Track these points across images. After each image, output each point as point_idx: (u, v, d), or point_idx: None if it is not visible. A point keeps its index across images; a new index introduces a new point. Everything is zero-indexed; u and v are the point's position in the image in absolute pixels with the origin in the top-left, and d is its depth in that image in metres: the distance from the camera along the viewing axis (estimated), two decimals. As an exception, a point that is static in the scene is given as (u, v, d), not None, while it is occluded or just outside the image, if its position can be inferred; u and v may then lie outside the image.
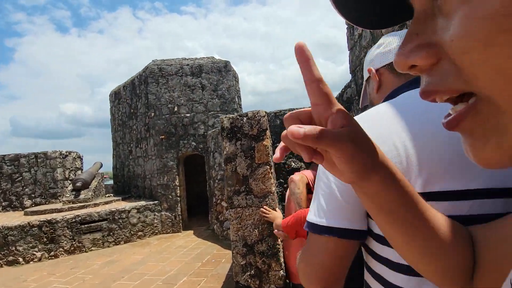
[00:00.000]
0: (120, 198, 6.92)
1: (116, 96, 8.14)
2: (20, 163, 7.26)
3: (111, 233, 5.61)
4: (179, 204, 6.45)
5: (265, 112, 1.86)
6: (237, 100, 7.05)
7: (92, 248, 5.39)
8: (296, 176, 1.46)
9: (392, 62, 0.58)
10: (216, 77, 6.72)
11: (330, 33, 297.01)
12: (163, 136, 6.47)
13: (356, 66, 2.60)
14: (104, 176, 9.01)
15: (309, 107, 0.31)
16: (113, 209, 5.68)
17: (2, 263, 4.85)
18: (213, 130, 6.03)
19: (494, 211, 0.40)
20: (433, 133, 0.44)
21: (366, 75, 0.67)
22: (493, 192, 0.41)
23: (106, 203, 6.39)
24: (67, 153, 7.60)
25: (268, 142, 1.85)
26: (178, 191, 6.47)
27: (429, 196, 0.41)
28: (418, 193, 0.40)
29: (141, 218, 5.99)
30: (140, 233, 5.96)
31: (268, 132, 1.85)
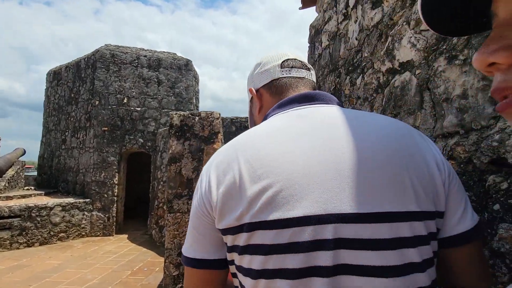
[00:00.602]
0: (43, 192, 6.00)
1: (55, 76, 7.19)
2: None
3: (24, 233, 4.78)
4: (115, 205, 5.86)
5: (220, 114, 1.77)
6: (194, 101, 6.82)
7: (-5, 250, 4.51)
8: None
9: (269, 82, 0.60)
10: (175, 74, 6.42)
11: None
12: (106, 128, 5.87)
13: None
14: (26, 166, 7.79)
15: None
16: (30, 205, 4.87)
17: None
18: (165, 128, 5.69)
19: (310, 238, 0.39)
20: (281, 161, 0.43)
21: (249, 95, 0.67)
22: (316, 218, 0.40)
23: (23, 196, 5.47)
24: (-20, 134, 6.36)
25: (219, 145, 1.75)
26: (116, 190, 5.88)
27: (260, 225, 0.40)
28: (247, 223, 0.41)
29: (66, 218, 5.26)
30: (62, 234, 5.21)
31: (220, 136, 1.76)
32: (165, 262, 1.68)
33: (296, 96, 0.55)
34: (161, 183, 5.37)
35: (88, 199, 5.65)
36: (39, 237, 4.93)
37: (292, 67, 0.60)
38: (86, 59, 6.32)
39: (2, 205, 4.65)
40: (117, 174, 5.91)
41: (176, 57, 6.61)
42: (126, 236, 5.76)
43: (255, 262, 0.41)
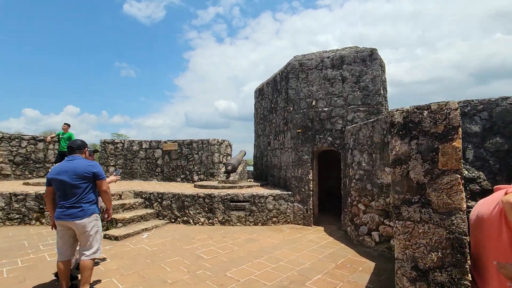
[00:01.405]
0: (259, 184, 7.70)
1: (259, 93, 9.06)
2: (192, 147, 9.47)
3: (252, 214, 6.34)
4: (311, 198, 6.47)
5: (457, 104, 1.40)
6: (382, 92, 6.23)
7: (237, 224, 6.29)
8: None
9: None
10: (359, 67, 6.16)
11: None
12: (299, 130, 6.63)
13: None
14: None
15: None
16: (254, 193, 6.39)
17: (180, 221, 6.48)
18: (353, 125, 5.59)
19: None
20: None
21: None
22: None
23: (249, 187, 7.28)
24: (222, 141, 9.21)
25: (459, 143, 1.39)
26: (311, 185, 6.48)
27: None
28: None
29: (276, 206, 6.43)
30: (274, 219, 6.43)
31: (460, 130, 1.39)
32: (396, 273, 1.55)
33: None
34: (353, 180, 5.31)
35: (290, 192, 6.61)
36: (261, 218, 6.35)
37: None
38: (280, 73, 7.47)
39: (238, 192, 6.42)
40: (311, 170, 6.51)
41: (359, 49, 6.34)
42: (322, 228, 6.19)
43: None
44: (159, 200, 6.67)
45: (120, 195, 6.68)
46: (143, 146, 10.07)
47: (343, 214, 5.97)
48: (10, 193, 6.19)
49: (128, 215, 5.98)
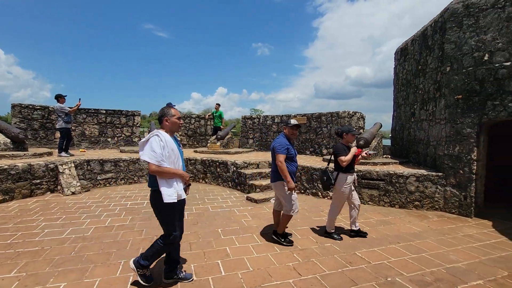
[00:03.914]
0: (398, 161, 6.74)
1: (402, 53, 7.58)
2: (321, 120, 9.35)
3: (387, 194, 5.71)
4: (473, 184, 5.05)
5: None
6: None
7: (369, 203, 5.86)
8: None
9: None
10: None
11: None
12: (459, 96, 5.14)
13: None
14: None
15: None
16: (391, 172, 5.67)
17: (309, 192, 6.74)
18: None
19: None
20: None
21: None
22: None
23: (384, 164, 6.52)
24: (353, 113, 8.55)
25: None
26: (474, 167, 5.03)
27: None
28: None
29: (420, 188, 5.47)
30: (416, 202, 5.53)
31: None
32: None
33: None
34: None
35: (441, 173, 5.40)
36: (398, 200, 5.62)
37: None
38: (432, 24, 5.89)
39: (372, 170, 5.88)
40: (475, 148, 5.01)
41: None
42: (490, 223, 4.77)
43: None
44: (290, 171, 7.14)
45: (258, 165, 7.64)
46: (275, 121, 10.90)
47: (530, 210, 4.33)
48: (187, 158, 8.39)
49: (264, 182, 6.81)
